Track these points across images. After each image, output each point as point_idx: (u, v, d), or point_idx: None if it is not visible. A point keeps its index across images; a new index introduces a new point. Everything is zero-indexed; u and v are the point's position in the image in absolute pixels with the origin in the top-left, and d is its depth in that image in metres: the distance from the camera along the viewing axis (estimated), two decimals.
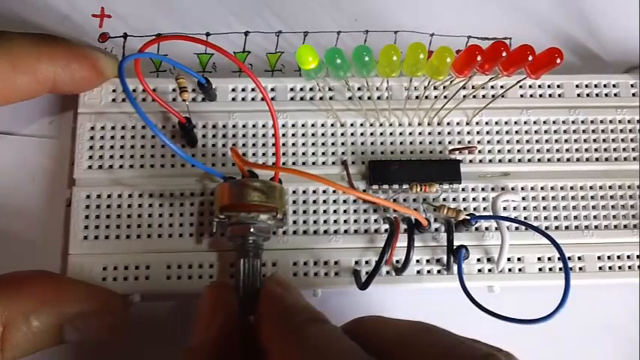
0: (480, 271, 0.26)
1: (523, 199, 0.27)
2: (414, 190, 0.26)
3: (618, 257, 0.27)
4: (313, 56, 0.24)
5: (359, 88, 0.28)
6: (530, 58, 0.24)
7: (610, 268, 0.27)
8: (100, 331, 0.25)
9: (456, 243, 0.26)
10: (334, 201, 0.27)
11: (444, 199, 0.27)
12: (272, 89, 0.28)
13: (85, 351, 0.26)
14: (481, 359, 0.17)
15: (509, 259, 0.26)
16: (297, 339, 0.19)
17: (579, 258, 0.27)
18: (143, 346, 0.26)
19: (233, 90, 0.28)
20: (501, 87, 0.29)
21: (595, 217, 0.27)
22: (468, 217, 0.25)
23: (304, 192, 0.27)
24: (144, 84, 0.25)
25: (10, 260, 0.26)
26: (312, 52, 0.24)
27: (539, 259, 0.27)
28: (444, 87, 0.28)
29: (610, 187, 0.28)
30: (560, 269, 0.26)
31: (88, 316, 0.24)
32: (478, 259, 0.27)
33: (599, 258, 0.27)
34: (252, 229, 0.24)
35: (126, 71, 0.27)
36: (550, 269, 0.27)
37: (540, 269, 0.27)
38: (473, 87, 0.28)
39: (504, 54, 0.24)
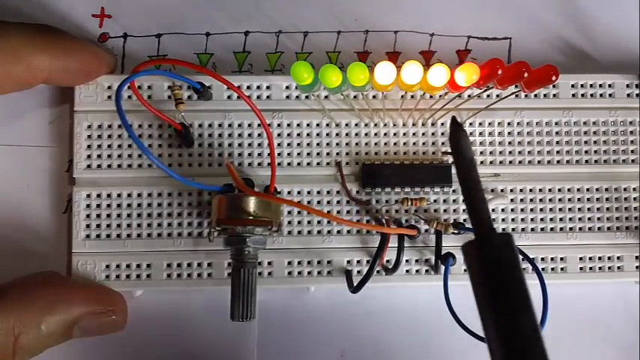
0: (466, 270, 0.28)
1: (512, 200, 0.28)
2: (405, 204, 0.27)
3: (618, 258, 0.28)
4: (308, 72, 0.24)
5: None
6: (525, 75, 0.24)
7: (609, 268, 0.28)
8: (105, 328, 0.26)
9: (444, 244, 0.27)
10: (328, 202, 0.28)
11: (435, 201, 0.28)
12: (267, 87, 0.28)
13: (85, 348, 0.27)
14: None
15: None
16: None
17: (565, 258, 0.28)
18: (143, 342, 0.28)
19: (228, 89, 0.28)
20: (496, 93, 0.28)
21: (589, 219, 0.28)
22: (456, 232, 0.26)
23: (299, 192, 0.28)
24: (139, 97, 0.25)
25: (16, 260, 0.28)
26: (307, 68, 0.24)
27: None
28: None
29: (606, 190, 0.28)
30: (544, 269, 0.28)
31: (94, 315, 0.26)
32: None
33: (599, 259, 0.28)
34: (247, 242, 0.24)
35: (124, 69, 0.28)
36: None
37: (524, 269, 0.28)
38: (468, 96, 0.28)
39: (500, 72, 0.24)
